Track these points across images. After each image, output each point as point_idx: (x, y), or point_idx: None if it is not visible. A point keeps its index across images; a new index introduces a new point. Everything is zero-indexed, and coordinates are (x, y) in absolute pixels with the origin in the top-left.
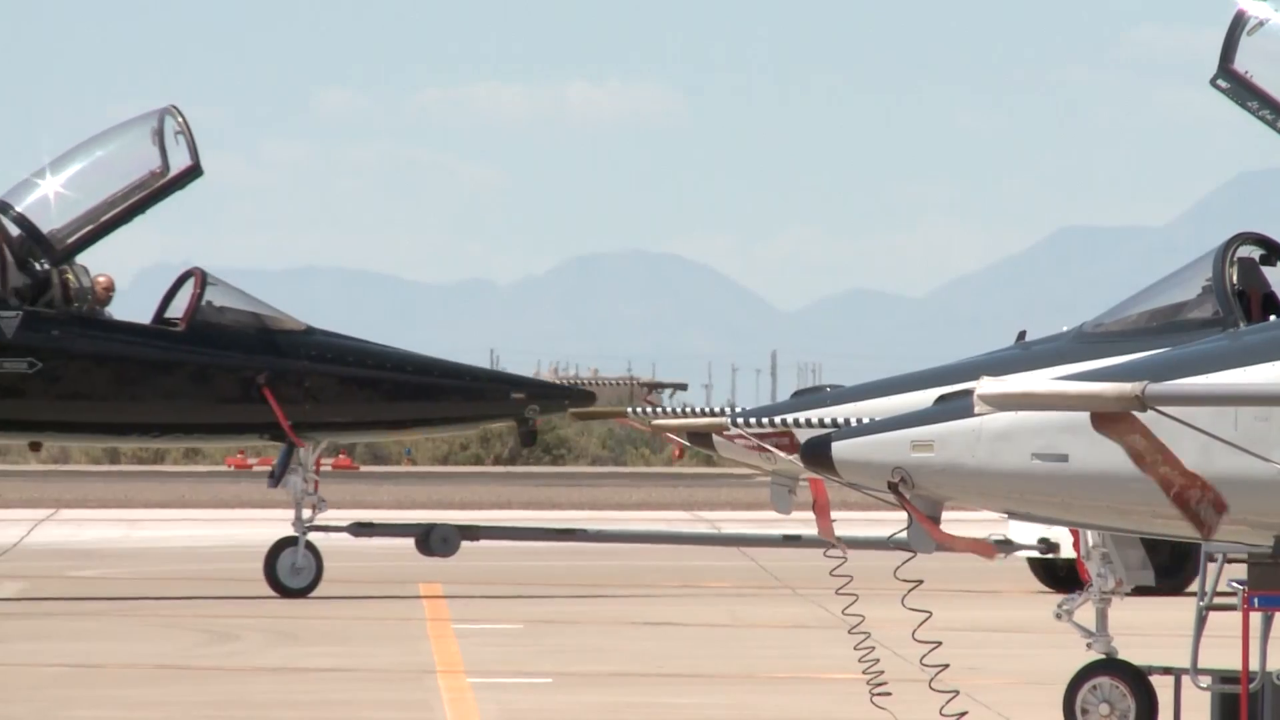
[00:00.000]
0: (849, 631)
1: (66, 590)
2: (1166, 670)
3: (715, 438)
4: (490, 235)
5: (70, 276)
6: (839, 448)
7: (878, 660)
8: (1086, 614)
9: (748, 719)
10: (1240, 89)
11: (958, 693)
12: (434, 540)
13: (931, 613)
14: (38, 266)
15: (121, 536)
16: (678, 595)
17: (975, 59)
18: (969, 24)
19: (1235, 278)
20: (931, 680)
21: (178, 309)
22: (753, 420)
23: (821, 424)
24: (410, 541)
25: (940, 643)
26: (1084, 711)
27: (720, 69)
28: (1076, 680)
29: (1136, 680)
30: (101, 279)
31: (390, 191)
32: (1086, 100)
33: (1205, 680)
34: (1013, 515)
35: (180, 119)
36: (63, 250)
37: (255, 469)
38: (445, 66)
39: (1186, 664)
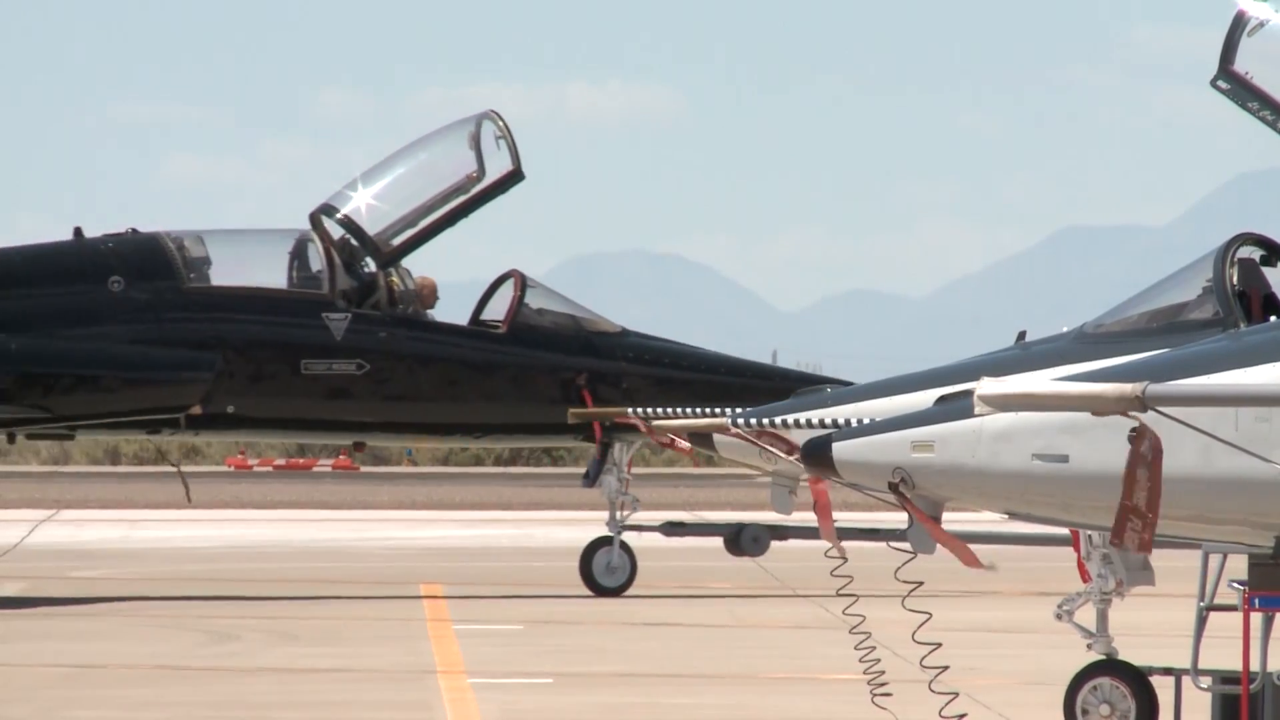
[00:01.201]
0: (849, 631)
1: (67, 590)
2: (1167, 671)
3: (715, 437)
4: (490, 235)
5: (395, 279)
6: (839, 448)
7: (878, 660)
8: (1087, 614)
9: (748, 719)
10: (1240, 90)
11: (958, 694)
12: (745, 540)
13: (931, 614)
14: (363, 270)
15: (122, 537)
16: (678, 595)
17: (975, 59)
18: (969, 24)
19: (1235, 278)
20: (932, 682)
21: (494, 311)
22: (753, 420)
23: (822, 424)
24: (409, 540)
25: (940, 644)
26: (1084, 712)
27: (720, 69)
28: (1077, 681)
29: (1137, 681)
30: (425, 281)
31: None
32: (1086, 100)
33: (1206, 681)
34: (1013, 516)
35: (501, 124)
36: (389, 253)
37: (255, 469)
38: (445, 66)
39: (1187, 664)
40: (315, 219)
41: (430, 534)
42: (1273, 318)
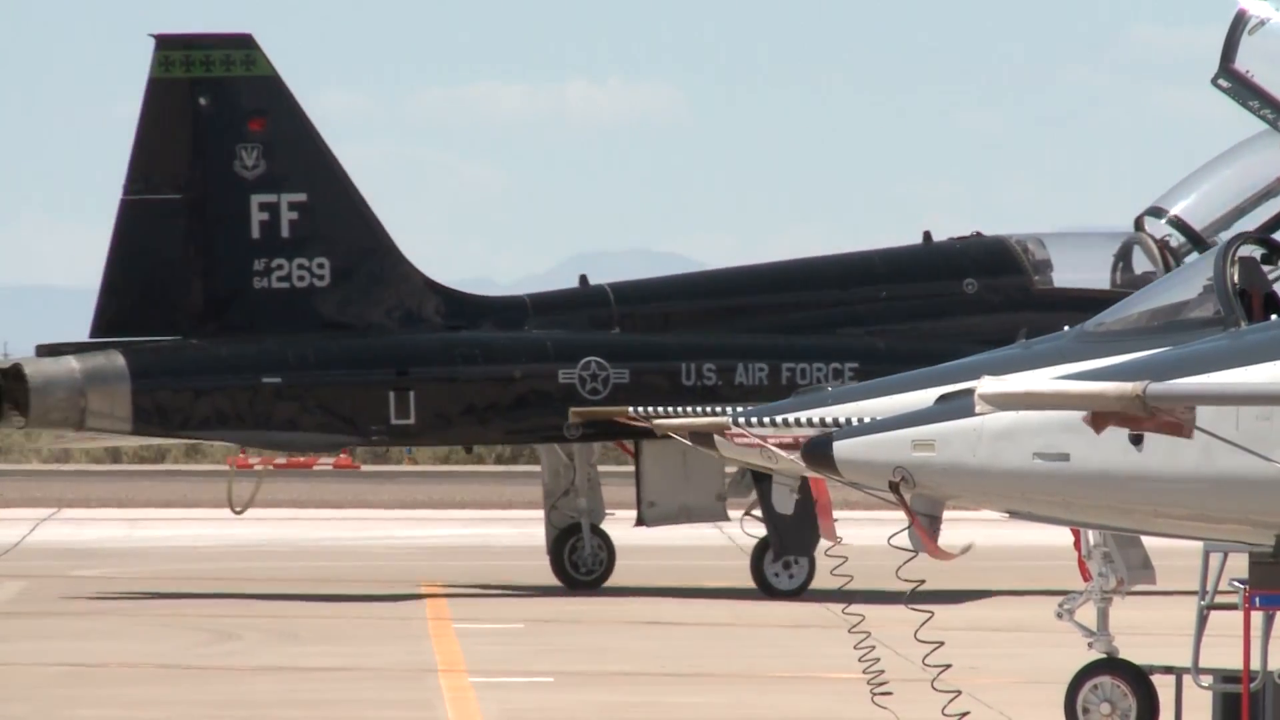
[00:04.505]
0: (849, 631)
1: (67, 590)
2: (1168, 669)
3: (716, 437)
4: (490, 235)
5: None
6: (840, 447)
7: (878, 660)
8: (1087, 613)
9: (748, 718)
10: (1241, 88)
11: (960, 693)
12: None
13: (933, 613)
14: None
15: (123, 536)
16: (678, 595)
17: (976, 59)
18: (969, 24)
19: (1236, 277)
20: (934, 680)
21: None
22: (754, 420)
23: (823, 424)
24: (409, 540)
25: (942, 643)
26: (1085, 711)
27: (720, 69)
28: (1078, 679)
29: (1138, 679)
30: None
31: (390, 191)
32: (1086, 100)
33: (1206, 679)
34: (1014, 515)
35: None
36: None
37: (255, 469)
38: (445, 66)
39: (1188, 663)
40: (1140, 221)
41: (430, 534)
42: (1273, 316)
